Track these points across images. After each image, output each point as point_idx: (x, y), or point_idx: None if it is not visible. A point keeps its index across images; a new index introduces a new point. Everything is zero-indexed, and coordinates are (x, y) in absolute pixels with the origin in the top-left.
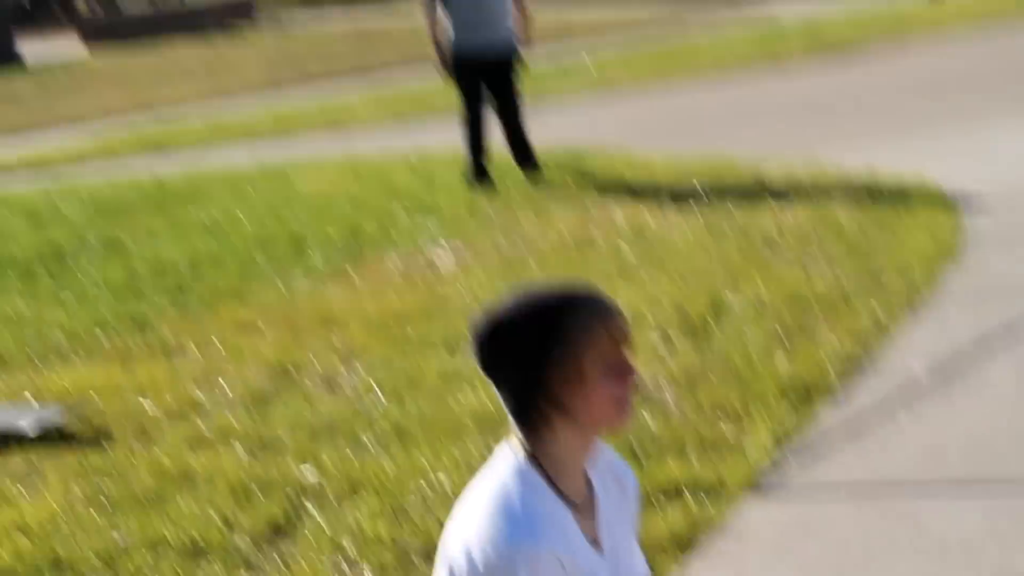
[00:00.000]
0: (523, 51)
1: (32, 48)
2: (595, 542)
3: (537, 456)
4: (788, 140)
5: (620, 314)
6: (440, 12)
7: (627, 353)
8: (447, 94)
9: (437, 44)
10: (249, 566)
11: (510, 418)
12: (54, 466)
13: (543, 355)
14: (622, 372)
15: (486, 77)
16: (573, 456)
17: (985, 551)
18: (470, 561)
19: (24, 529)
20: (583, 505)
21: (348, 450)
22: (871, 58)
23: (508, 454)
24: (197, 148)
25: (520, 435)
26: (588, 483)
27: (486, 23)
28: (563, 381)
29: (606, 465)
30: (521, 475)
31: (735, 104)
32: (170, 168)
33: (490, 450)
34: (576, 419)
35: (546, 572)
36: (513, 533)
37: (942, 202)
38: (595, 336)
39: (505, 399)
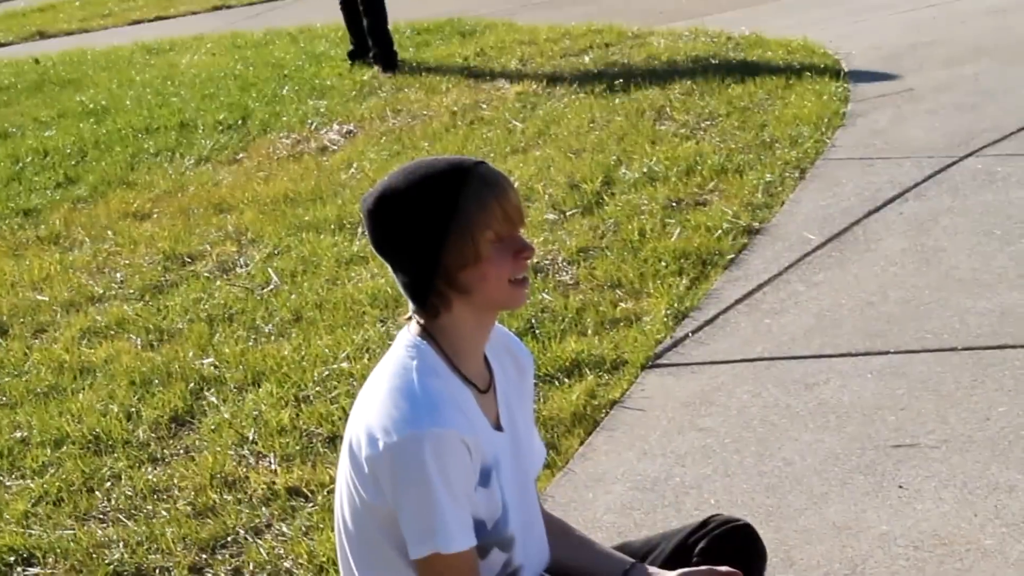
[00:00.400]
0: None
1: None
2: (495, 422)
3: (436, 337)
4: (674, 4)
5: (514, 190)
6: None
7: (522, 231)
8: None
9: None
10: (152, 459)
11: (408, 300)
12: None
13: (437, 233)
14: (519, 250)
15: None
16: (472, 337)
17: (881, 416)
18: (372, 444)
19: None
20: (483, 385)
21: (247, 338)
22: None
23: (408, 337)
24: (76, 32)
25: (418, 317)
26: (487, 364)
27: None
28: (459, 260)
29: (504, 345)
30: (421, 357)
31: None
32: (52, 52)
33: (389, 334)
34: (473, 299)
35: (450, 453)
36: (415, 415)
37: (828, 65)
38: (490, 213)
39: (400, 280)
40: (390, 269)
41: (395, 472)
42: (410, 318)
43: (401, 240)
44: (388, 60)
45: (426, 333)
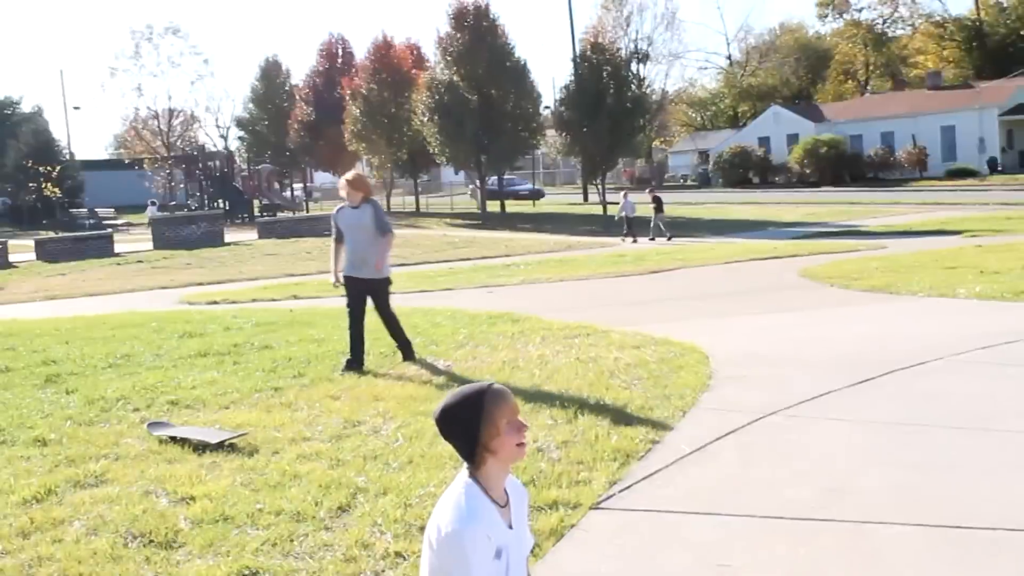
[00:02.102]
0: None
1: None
2: (509, 525)
3: (477, 478)
4: (626, 317)
5: (512, 398)
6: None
7: (522, 419)
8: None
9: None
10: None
11: (464, 461)
12: (226, 463)
13: (476, 425)
14: (519, 429)
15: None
16: (497, 477)
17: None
18: (438, 536)
19: (208, 496)
20: (503, 503)
21: None
22: (672, 270)
23: (462, 476)
24: (316, 296)
25: (468, 468)
26: (506, 492)
27: (361, 259)
28: (489, 436)
29: (515, 485)
30: (468, 488)
31: (593, 291)
32: (303, 305)
33: None
34: (497, 456)
35: (480, 542)
36: (460, 519)
37: (703, 357)
38: (503, 410)
39: (457, 450)
40: (452, 446)
41: (446, 551)
42: (464, 469)
43: (457, 431)
44: (408, 352)
45: (472, 475)
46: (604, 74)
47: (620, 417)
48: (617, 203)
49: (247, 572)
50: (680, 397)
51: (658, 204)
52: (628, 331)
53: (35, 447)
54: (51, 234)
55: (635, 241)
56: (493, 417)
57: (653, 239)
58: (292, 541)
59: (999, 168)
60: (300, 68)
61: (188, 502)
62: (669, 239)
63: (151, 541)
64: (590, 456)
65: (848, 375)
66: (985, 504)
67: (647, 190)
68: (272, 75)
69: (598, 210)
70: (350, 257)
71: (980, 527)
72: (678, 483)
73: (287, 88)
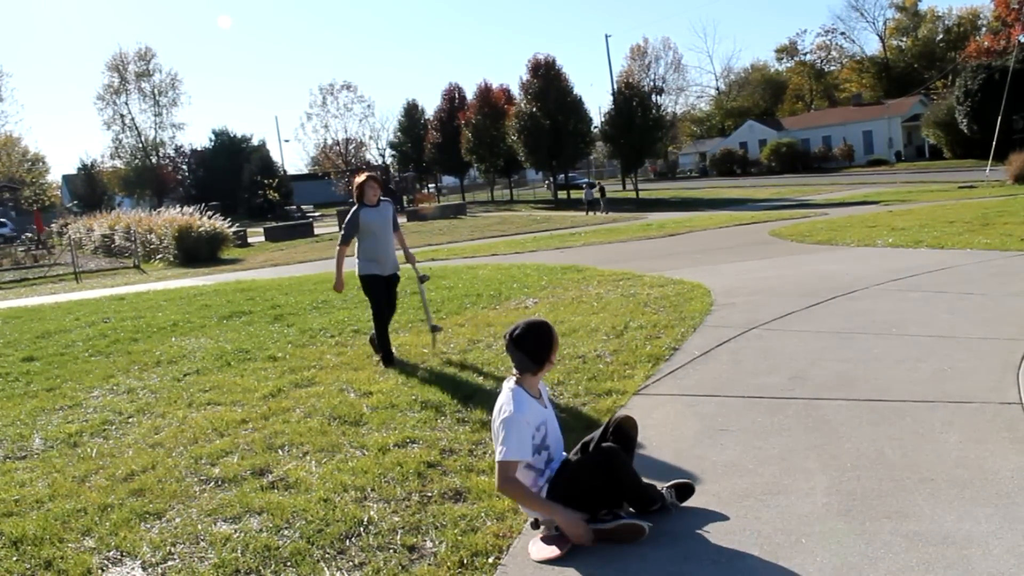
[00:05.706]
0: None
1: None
2: (544, 406)
3: (521, 381)
4: (653, 266)
5: (554, 332)
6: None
7: (555, 349)
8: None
9: (338, 269)
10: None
11: (514, 368)
12: (391, 369)
13: (522, 347)
14: (549, 355)
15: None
16: (533, 381)
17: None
18: (499, 421)
19: (381, 391)
20: (538, 396)
21: None
22: (684, 234)
23: (510, 381)
24: (449, 257)
25: (516, 374)
26: (540, 390)
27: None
28: (543, 361)
29: (542, 387)
30: (514, 389)
31: (631, 249)
32: (438, 264)
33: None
34: (531, 369)
35: (523, 422)
36: (510, 409)
37: (706, 291)
38: (542, 342)
39: (514, 361)
40: (511, 358)
41: (507, 428)
42: (513, 375)
43: (512, 349)
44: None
45: (517, 380)
46: (634, 103)
47: (652, 333)
48: (600, 191)
49: (408, 439)
50: (691, 318)
51: (602, 191)
52: (655, 275)
53: (269, 361)
54: (273, 223)
55: (594, 214)
56: (534, 345)
57: (607, 212)
58: (436, 420)
59: (902, 158)
60: (430, 106)
61: (368, 395)
62: (604, 212)
63: (345, 421)
64: (632, 359)
65: (804, 300)
66: (895, 384)
67: (596, 185)
68: (412, 112)
69: (632, 195)
70: (367, 252)
71: (891, 400)
72: (691, 376)
73: (422, 121)
